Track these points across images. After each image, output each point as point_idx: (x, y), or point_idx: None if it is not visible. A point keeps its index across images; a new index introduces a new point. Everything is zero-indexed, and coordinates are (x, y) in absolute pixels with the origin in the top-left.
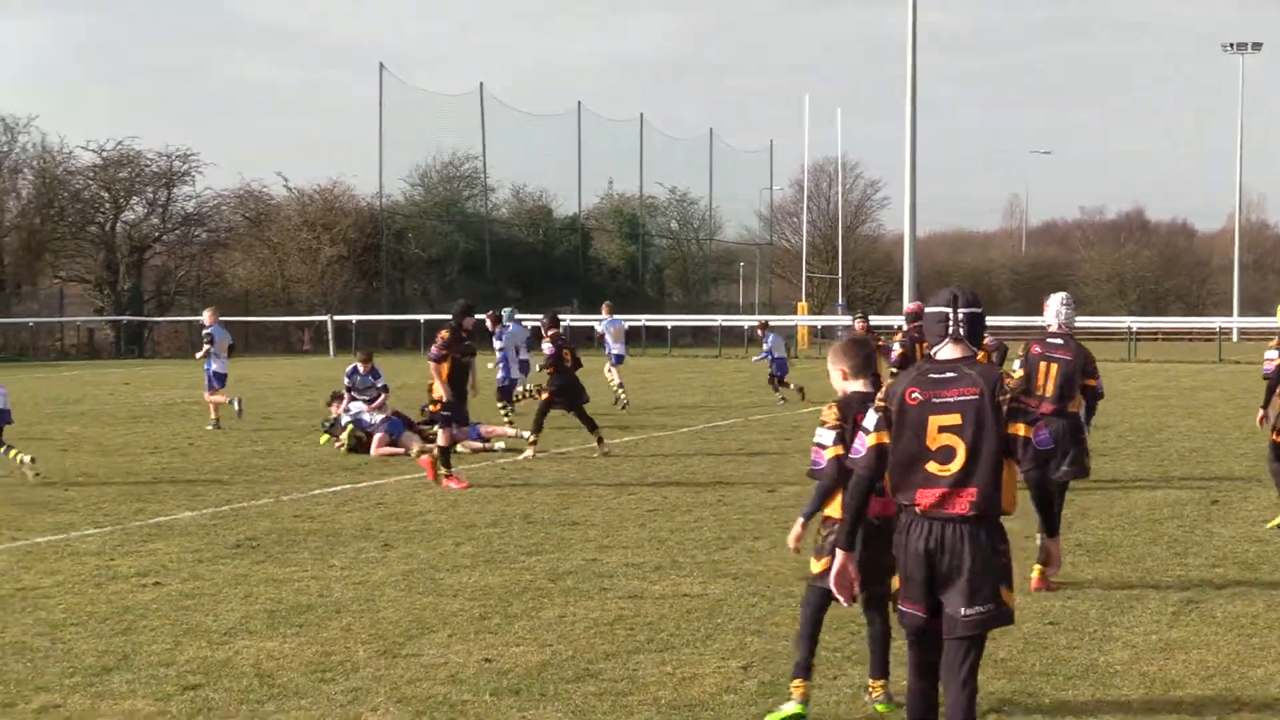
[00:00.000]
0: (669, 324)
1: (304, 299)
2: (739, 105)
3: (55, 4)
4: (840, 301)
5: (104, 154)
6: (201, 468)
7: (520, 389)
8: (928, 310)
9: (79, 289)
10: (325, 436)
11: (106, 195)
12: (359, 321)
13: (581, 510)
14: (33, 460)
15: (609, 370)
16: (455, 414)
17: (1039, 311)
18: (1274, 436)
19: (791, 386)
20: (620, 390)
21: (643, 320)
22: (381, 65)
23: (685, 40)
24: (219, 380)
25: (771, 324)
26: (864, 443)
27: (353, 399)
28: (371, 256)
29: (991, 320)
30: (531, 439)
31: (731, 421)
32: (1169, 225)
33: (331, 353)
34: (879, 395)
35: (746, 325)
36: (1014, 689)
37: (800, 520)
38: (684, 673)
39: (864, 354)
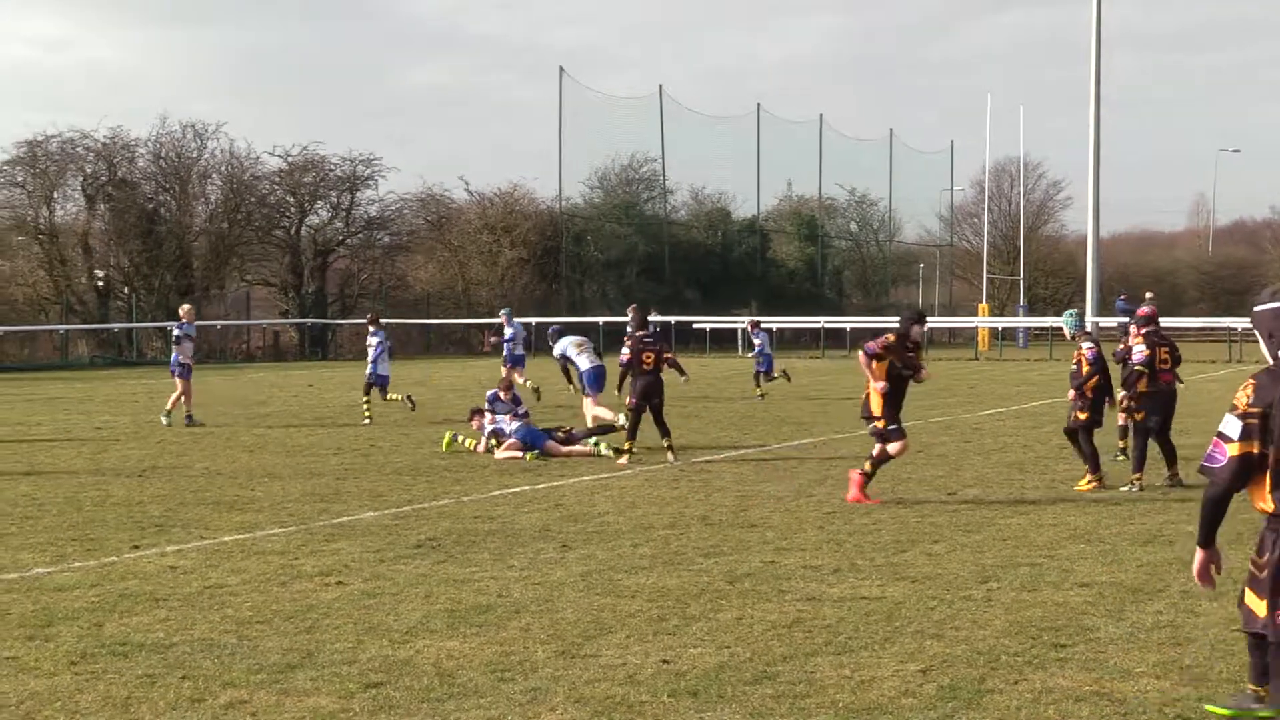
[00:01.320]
0: (848, 326)
1: (484, 301)
2: (918, 106)
3: (239, 12)
4: (1021, 303)
5: (289, 159)
6: (383, 468)
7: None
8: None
9: (265, 292)
10: (447, 437)
11: (292, 200)
12: (538, 324)
13: (759, 512)
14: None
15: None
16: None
17: (1226, 312)
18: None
19: (778, 376)
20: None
21: (821, 322)
22: (561, 69)
23: (858, 39)
24: (184, 371)
25: (763, 324)
26: (1224, 452)
27: (494, 420)
28: (551, 259)
29: (1177, 322)
30: (626, 446)
31: (909, 424)
32: None
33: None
34: (1243, 400)
35: (927, 327)
36: (1199, 696)
37: (1200, 553)
38: (862, 675)
39: None
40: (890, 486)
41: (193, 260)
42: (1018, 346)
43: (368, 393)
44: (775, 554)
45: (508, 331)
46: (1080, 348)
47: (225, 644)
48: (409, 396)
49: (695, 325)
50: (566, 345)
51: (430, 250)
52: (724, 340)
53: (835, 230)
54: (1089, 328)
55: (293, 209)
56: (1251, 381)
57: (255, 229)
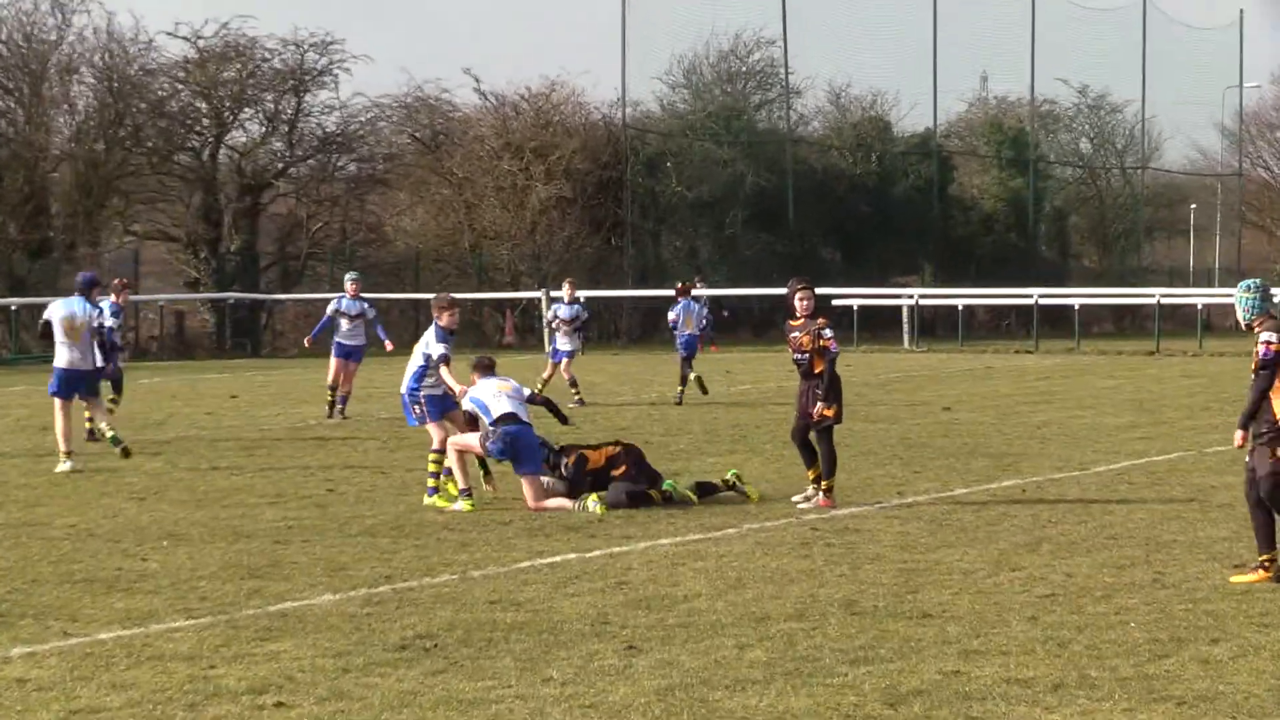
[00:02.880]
0: (1076, 302)
1: (505, 265)
2: None
3: None
4: None
5: (200, 44)
6: (348, 526)
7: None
8: None
9: (162, 251)
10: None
11: (204, 107)
12: (589, 300)
13: (936, 594)
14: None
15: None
16: None
17: None
18: None
19: (692, 376)
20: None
21: (1034, 295)
22: None
23: None
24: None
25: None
26: None
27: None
28: (609, 199)
29: None
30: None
31: (1177, 455)
32: None
33: (548, 347)
34: None
35: (1202, 303)
36: None
37: None
38: None
39: None
40: (1144, 554)
41: (49, 201)
42: None
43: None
44: (962, 660)
45: (564, 311)
46: (1257, 340)
47: None
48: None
49: (836, 301)
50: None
51: (420, 186)
52: (881, 324)
53: (1056, 151)
54: None
55: (206, 121)
56: None
57: (147, 153)
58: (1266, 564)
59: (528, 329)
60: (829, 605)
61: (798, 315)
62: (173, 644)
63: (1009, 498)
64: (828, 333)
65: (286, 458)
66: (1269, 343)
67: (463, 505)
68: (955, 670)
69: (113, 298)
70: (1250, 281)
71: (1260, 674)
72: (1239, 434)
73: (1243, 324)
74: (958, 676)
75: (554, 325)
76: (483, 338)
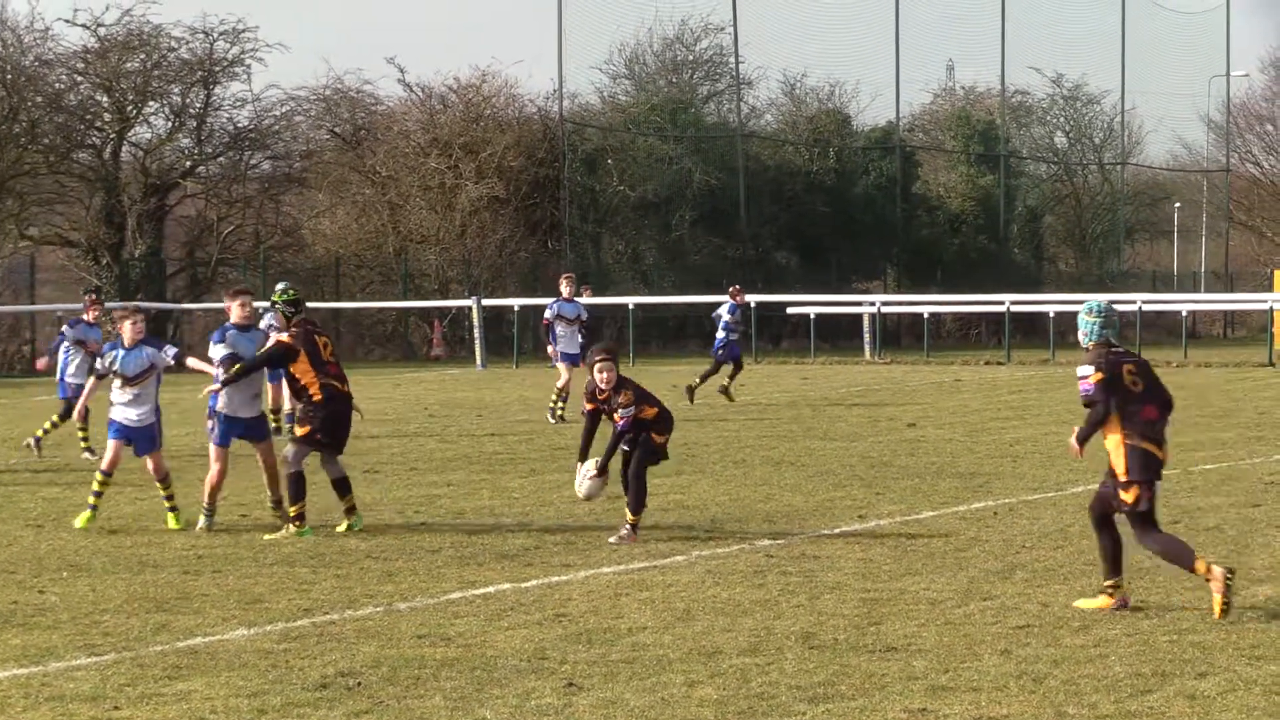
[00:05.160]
0: (1051, 309)
1: (434, 271)
2: None
3: None
4: None
5: (101, 31)
6: (263, 554)
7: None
8: None
9: (60, 258)
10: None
11: (105, 100)
12: (523, 309)
13: (901, 626)
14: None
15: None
16: None
17: None
18: None
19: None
20: None
21: (1006, 302)
22: None
23: None
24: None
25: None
26: None
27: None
28: (545, 199)
29: None
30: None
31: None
32: None
33: (480, 361)
34: None
35: (1187, 310)
36: None
37: None
38: None
39: None
40: (1125, 582)
41: None
42: None
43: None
44: (929, 697)
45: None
46: None
47: None
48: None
49: (792, 310)
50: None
51: (341, 185)
52: (840, 334)
53: (1029, 146)
54: None
55: (108, 116)
56: None
57: (44, 150)
58: (1110, 589)
59: (457, 340)
60: (785, 638)
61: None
62: (74, 683)
63: (979, 521)
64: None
65: (196, 481)
66: (1085, 378)
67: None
68: (922, 708)
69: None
70: (1094, 303)
71: (1251, 711)
72: (1074, 445)
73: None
74: (925, 715)
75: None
76: (409, 349)
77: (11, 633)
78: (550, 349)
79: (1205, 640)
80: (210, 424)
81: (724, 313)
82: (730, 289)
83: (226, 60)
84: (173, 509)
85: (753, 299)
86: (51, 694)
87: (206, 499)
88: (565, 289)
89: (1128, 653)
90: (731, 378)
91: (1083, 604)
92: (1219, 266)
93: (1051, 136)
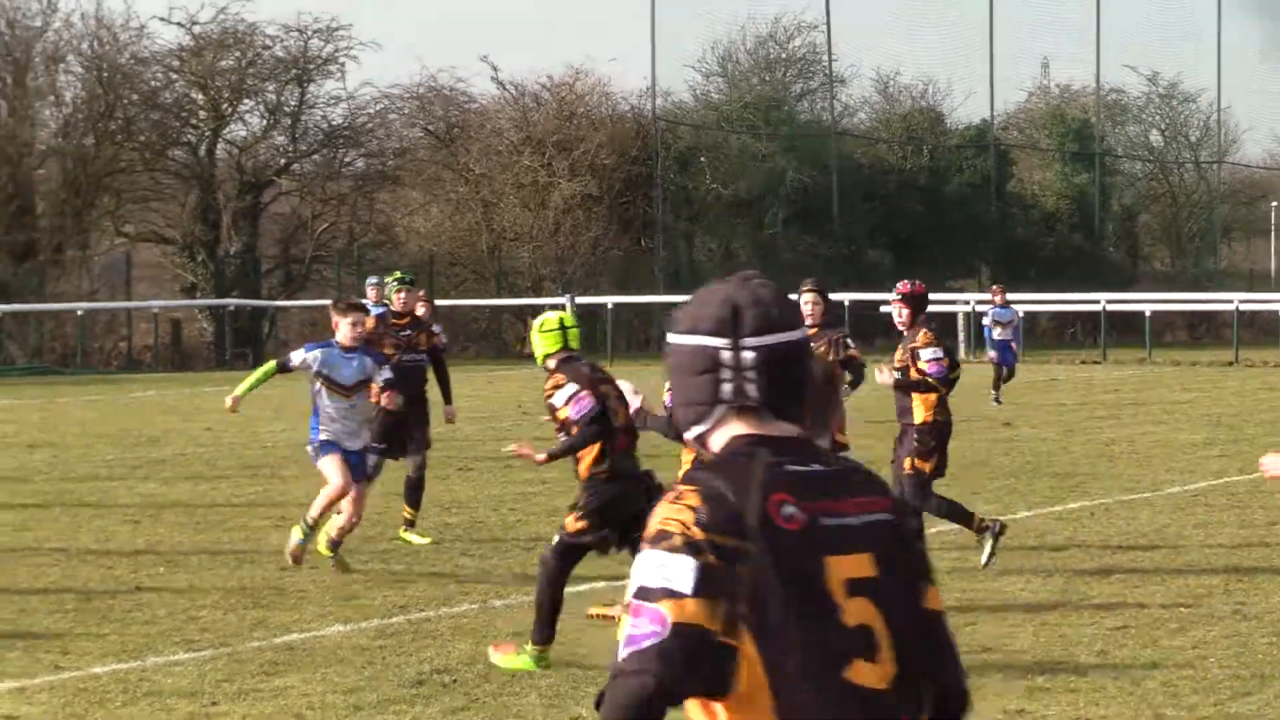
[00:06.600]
0: (1147, 308)
1: (527, 268)
2: None
3: None
4: None
5: (196, 29)
6: (360, 551)
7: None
8: None
9: (156, 254)
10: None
11: (200, 98)
12: (617, 306)
13: (996, 627)
14: None
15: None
16: None
17: None
18: None
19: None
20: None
21: (1101, 301)
22: None
23: None
24: None
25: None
26: None
27: None
28: (638, 197)
29: None
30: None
31: (1259, 475)
32: None
33: None
34: None
35: None
36: None
37: None
38: None
39: None
40: (1223, 583)
41: (35, 200)
42: None
43: None
44: (1026, 698)
45: None
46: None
47: None
48: None
49: (885, 308)
50: None
51: (434, 183)
52: (934, 332)
53: (1124, 144)
54: None
55: (203, 114)
56: None
57: (139, 148)
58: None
59: None
60: None
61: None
62: (171, 679)
63: (1075, 521)
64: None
65: (293, 477)
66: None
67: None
68: (1019, 709)
69: None
70: None
71: None
72: None
73: None
74: (1022, 716)
75: None
76: (502, 346)
77: (109, 628)
78: None
79: None
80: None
81: (993, 315)
82: (993, 288)
83: (321, 58)
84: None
85: (845, 298)
86: (150, 689)
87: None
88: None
89: (1226, 655)
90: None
91: None
92: None
93: (1146, 135)
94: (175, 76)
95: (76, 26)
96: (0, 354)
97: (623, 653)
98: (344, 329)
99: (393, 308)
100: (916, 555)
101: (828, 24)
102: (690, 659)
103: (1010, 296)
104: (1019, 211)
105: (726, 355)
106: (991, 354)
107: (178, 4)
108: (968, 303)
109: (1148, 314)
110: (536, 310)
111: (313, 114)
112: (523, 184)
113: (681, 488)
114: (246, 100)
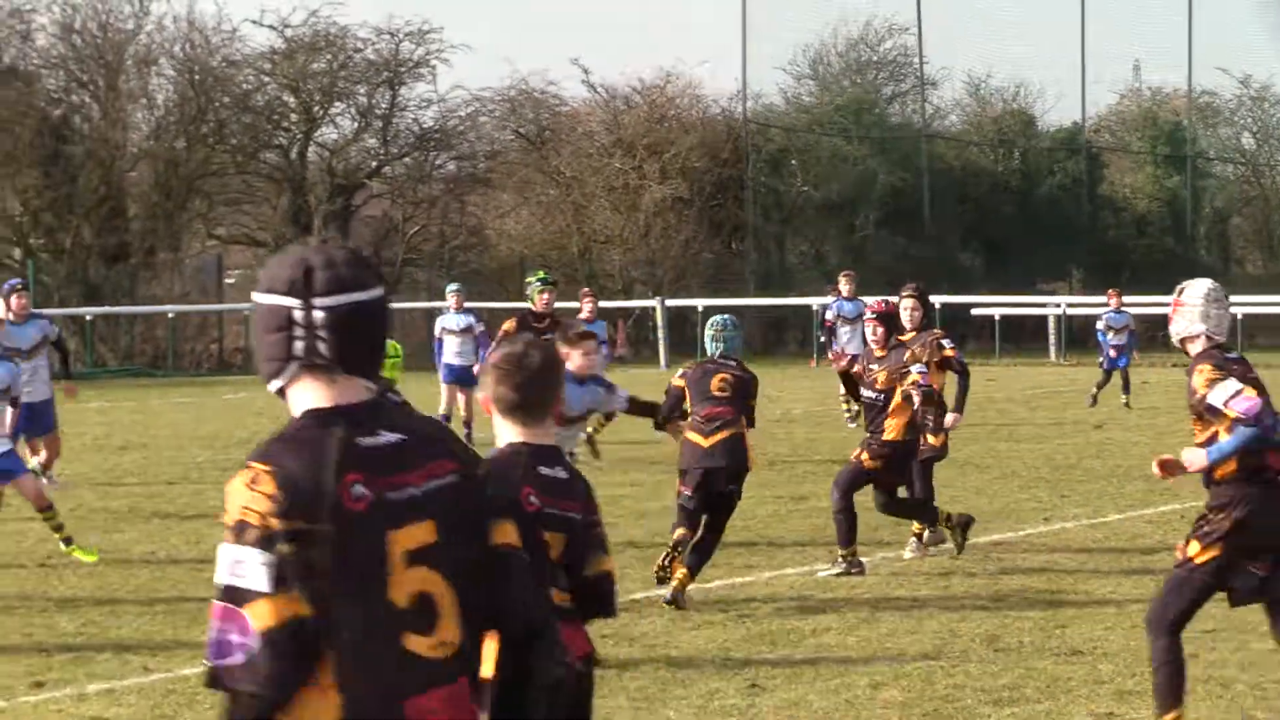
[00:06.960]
0: (1239, 311)
1: (617, 271)
2: None
3: None
4: None
5: (287, 33)
6: None
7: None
8: None
9: (248, 257)
10: None
11: (292, 101)
12: (707, 309)
13: (1086, 629)
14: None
15: None
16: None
17: None
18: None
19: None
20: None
21: None
22: None
23: None
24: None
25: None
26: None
27: None
28: (728, 200)
29: None
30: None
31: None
32: None
33: (663, 361)
34: None
35: None
36: None
37: None
38: None
39: None
40: None
41: (127, 203)
42: None
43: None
44: (1116, 701)
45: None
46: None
47: None
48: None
49: (977, 311)
50: None
51: (525, 186)
52: (1025, 336)
53: (1216, 147)
54: None
55: (295, 117)
56: None
57: (231, 150)
58: None
59: (641, 340)
60: (970, 641)
61: (905, 329)
62: None
63: (1166, 524)
64: (947, 342)
65: None
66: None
67: None
68: (1108, 712)
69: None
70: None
71: None
72: None
73: None
74: (1111, 719)
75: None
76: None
77: (199, 630)
78: (832, 351)
79: None
80: None
81: (1107, 319)
82: (1108, 292)
83: (412, 61)
84: None
85: (937, 300)
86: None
87: None
88: (845, 287)
89: None
90: None
91: None
92: None
93: (1239, 137)
94: (267, 79)
95: (168, 29)
96: (92, 356)
97: (214, 658)
98: (575, 359)
99: (534, 309)
100: (483, 501)
101: (919, 26)
102: (282, 660)
103: (1100, 299)
104: (1110, 214)
105: (299, 314)
106: (1102, 360)
107: (270, 6)
108: (1058, 305)
109: (1240, 317)
110: (626, 312)
111: (404, 117)
112: (613, 186)
113: (257, 467)
114: (338, 103)
